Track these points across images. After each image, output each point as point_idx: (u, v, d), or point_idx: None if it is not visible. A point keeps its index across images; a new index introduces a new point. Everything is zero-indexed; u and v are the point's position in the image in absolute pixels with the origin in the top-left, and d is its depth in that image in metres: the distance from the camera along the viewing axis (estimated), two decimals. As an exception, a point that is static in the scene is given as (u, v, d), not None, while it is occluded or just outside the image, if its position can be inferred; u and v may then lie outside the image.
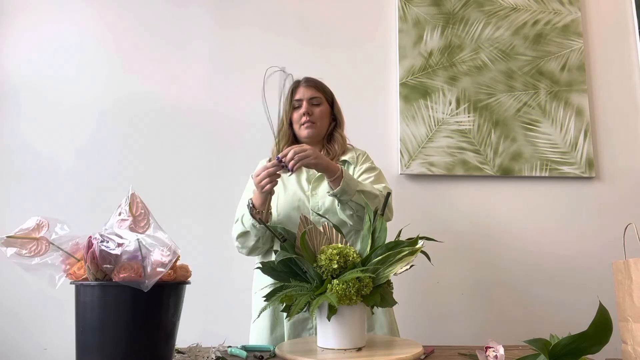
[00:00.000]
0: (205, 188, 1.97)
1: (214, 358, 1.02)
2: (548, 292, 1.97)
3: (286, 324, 1.31)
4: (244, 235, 1.36)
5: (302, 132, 1.46)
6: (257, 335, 1.36)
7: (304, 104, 1.46)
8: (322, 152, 1.45)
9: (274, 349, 1.09)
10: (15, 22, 2.04)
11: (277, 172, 1.25)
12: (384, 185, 1.39)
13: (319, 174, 1.38)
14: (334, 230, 1.12)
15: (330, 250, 1.01)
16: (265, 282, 1.19)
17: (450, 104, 2.08)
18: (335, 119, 1.53)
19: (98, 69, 2.03)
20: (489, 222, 2.03)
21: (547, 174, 2.05)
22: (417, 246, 1.01)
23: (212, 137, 2.02)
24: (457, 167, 2.03)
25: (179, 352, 1.06)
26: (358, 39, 2.13)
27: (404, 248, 1.01)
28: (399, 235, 1.20)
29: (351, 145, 1.56)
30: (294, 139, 1.50)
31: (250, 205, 1.30)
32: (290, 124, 1.49)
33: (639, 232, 1.01)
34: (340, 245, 1.05)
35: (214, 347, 1.10)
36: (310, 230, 1.07)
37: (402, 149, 2.03)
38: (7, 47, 2.02)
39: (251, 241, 1.36)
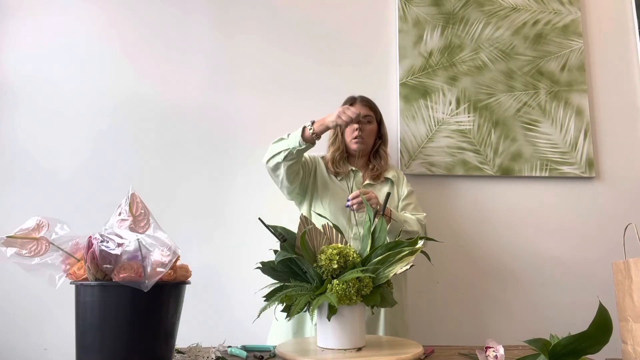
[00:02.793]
0: (205, 188, 1.97)
1: (214, 358, 1.02)
2: (548, 292, 1.97)
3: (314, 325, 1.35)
4: (279, 141, 1.50)
5: (352, 145, 1.63)
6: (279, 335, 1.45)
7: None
8: (370, 165, 1.68)
9: (274, 349, 1.09)
10: (14, 23, 2.04)
11: (352, 123, 1.43)
12: (424, 215, 1.60)
13: (367, 181, 1.63)
14: (334, 230, 1.12)
15: (330, 250, 1.01)
16: None
17: (450, 104, 2.08)
18: (381, 137, 1.72)
19: (97, 70, 2.03)
20: (489, 222, 2.03)
21: (547, 174, 2.05)
22: (417, 246, 1.01)
23: (212, 137, 2.02)
24: (457, 167, 2.03)
25: (179, 352, 1.06)
26: (358, 39, 2.13)
27: (403, 248, 1.01)
28: (399, 235, 1.21)
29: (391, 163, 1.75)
30: (344, 149, 1.67)
31: (311, 122, 1.45)
32: (342, 136, 1.66)
33: (639, 232, 1.01)
34: (340, 245, 1.05)
35: (214, 347, 1.10)
36: (310, 230, 1.07)
37: (402, 149, 2.03)
38: (7, 46, 2.02)
39: (279, 148, 1.47)
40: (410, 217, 1.54)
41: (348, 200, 1.41)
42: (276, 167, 1.50)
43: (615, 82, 2.18)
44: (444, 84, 2.09)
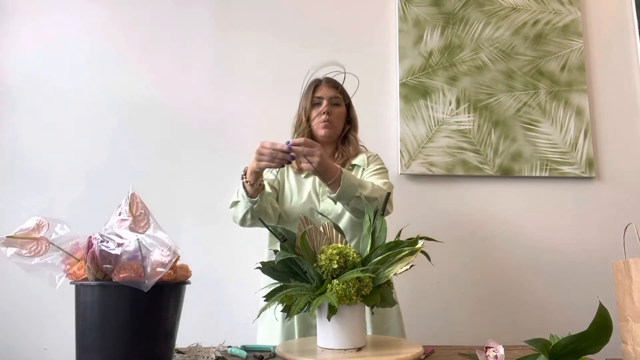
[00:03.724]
0: (205, 188, 1.97)
1: (214, 358, 1.02)
2: (548, 292, 1.97)
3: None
4: (235, 205, 1.35)
5: (320, 131, 1.47)
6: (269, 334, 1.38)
7: (325, 102, 1.48)
8: (336, 153, 1.50)
9: (274, 349, 1.09)
10: (15, 22, 2.04)
11: (280, 158, 1.20)
12: (384, 181, 1.40)
13: None
14: (334, 230, 1.12)
15: (330, 250, 1.01)
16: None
17: (450, 104, 2.08)
18: (350, 122, 1.56)
19: (98, 70, 2.03)
20: (489, 222, 2.03)
21: (547, 174, 2.05)
22: (417, 246, 1.01)
23: (212, 137, 2.02)
24: (457, 167, 2.03)
25: (179, 352, 1.06)
26: (358, 39, 2.13)
27: (404, 248, 1.01)
28: (399, 235, 1.20)
29: (364, 148, 1.58)
30: (311, 137, 1.48)
31: (243, 172, 1.30)
32: (308, 121, 1.49)
33: (639, 232, 1.01)
34: (340, 245, 1.05)
35: (214, 347, 1.10)
36: (310, 230, 1.07)
37: (402, 149, 2.03)
38: (7, 46, 2.02)
39: (240, 212, 1.33)
40: (367, 181, 1.34)
41: (288, 142, 1.18)
42: (253, 223, 1.33)
43: (615, 82, 2.18)
44: (444, 84, 2.09)
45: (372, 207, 1.18)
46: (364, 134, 1.75)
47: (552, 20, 2.19)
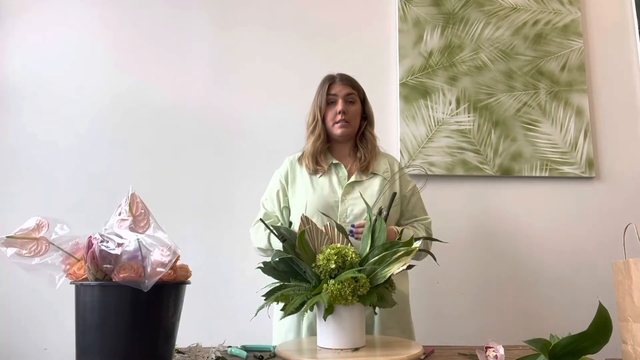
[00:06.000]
0: (205, 188, 1.97)
1: (214, 358, 1.02)
2: (548, 292, 1.97)
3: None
4: (265, 251, 1.42)
5: (336, 130, 1.44)
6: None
7: (340, 101, 1.44)
8: (356, 154, 1.48)
9: (274, 349, 1.09)
10: (16, 23, 2.04)
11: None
12: (429, 220, 1.49)
13: (352, 179, 1.41)
14: (335, 230, 1.12)
15: (328, 250, 1.01)
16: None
17: (450, 104, 2.08)
18: (366, 118, 1.53)
19: (99, 70, 2.03)
20: (489, 222, 2.02)
21: (547, 174, 2.05)
22: (413, 246, 1.01)
23: (212, 137, 2.02)
24: (457, 167, 2.03)
25: (179, 352, 1.06)
26: (358, 39, 2.13)
27: (399, 248, 1.01)
28: (400, 235, 1.20)
29: (381, 148, 1.54)
30: (327, 136, 1.47)
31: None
32: (323, 120, 1.47)
33: (639, 232, 1.01)
34: (339, 245, 1.05)
35: (214, 347, 1.10)
36: (311, 230, 1.07)
37: (402, 149, 2.03)
38: (8, 47, 2.02)
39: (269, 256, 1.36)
40: (420, 226, 1.45)
41: (352, 227, 1.28)
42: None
43: (615, 82, 2.18)
44: (444, 84, 2.09)
45: (420, 258, 1.32)
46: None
47: (552, 20, 2.19)
